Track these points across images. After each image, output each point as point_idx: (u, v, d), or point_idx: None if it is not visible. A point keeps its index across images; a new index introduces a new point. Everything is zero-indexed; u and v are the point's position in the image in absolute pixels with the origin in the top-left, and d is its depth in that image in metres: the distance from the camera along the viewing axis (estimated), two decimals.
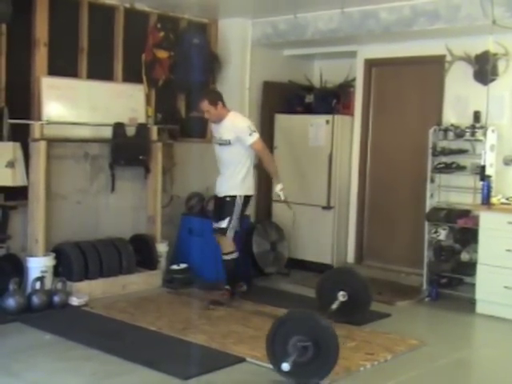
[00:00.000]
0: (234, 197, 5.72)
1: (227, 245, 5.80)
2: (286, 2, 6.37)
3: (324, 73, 7.63)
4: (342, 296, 5.19)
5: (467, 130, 6.14)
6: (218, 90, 6.49)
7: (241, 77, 7.29)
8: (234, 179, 5.72)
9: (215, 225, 5.84)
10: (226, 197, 5.75)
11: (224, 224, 5.72)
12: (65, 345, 4.64)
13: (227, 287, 5.86)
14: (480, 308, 5.71)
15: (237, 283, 5.94)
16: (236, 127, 5.68)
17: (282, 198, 5.82)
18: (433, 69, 6.66)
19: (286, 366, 3.86)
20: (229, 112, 5.79)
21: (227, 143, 5.70)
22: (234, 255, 5.83)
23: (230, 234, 5.76)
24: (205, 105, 5.73)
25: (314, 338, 3.93)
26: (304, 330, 3.96)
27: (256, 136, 5.67)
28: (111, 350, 4.47)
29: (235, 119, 5.76)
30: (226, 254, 5.82)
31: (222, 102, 5.77)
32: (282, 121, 7.59)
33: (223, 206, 5.77)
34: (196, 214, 6.80)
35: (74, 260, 5.77)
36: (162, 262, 6.49)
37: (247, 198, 5.83)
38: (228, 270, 5.87)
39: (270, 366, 4.08)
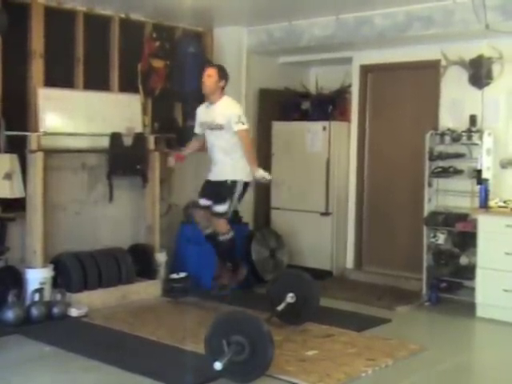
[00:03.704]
0: (235, 182, 5.55)
1: (223, 225, 5.62)
2: (280, 10, 6.40)
3: (320, 79, 7.66)
4: (290, 298, 5.21)
5: (463, 134, 6.16)
6: None
7: (237, 85, 7.29)
8: (236, 164, 5.56)
9: (209, 204, 5.65)
10: (226, 181, 5.56)
11: (223, 208, 5.54)
12: (65, 356, 4.62)
13: (229, 266, 5.78)
14: (480, 311, 5.71)
15: (238, 266, 5.85)
16: (228, 112, 5.53)
17: (269, 178, 5.63)
18: (428, 74, 6.68)
19: (218, 365, 3.89)
20: (223, 96, 5.65)
21: (219, 128, 5.55)
22: (230, 235, 5.68)
23: (228, 216, 5.60)
24: (212, 71, 5.60)
25: (250, 338, 3.98)
26: (242, 330, 4.01)
27: (244, 126, 5.51)
28: (111, 361, 4.45)
29: (229, 104, 5.63)
30: (222, 234, 5.66)
31: (225, 85, 5.64)
32: (279, 128, 7.60)
33: (222, 189, 5.58)
34: (194, 222, 6.78)
35: (72, 271, 5.75)
36: (161, 271, 6.48)
37: (246, 185, 5.66)
38: (226, 249, 5.75)
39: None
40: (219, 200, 5.59)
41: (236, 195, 5.59)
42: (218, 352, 3.99)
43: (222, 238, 5.71)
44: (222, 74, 5.65)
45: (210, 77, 5.60)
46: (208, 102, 5.73)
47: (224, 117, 5.54)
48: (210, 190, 5.72)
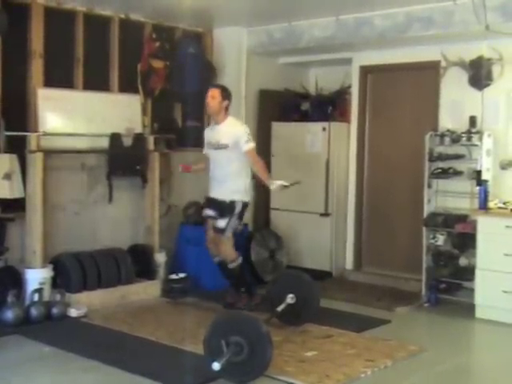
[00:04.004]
0: (234, 202, 5.63)
1: (229, 250, 5.72)
2: (280, 10, 6.40)
3: (320, 80, 7.66)
4: (290, 299, 5.21)
5: (463, 135, 6.16)
6: None
7: (237, 85, 7.29)
8: (235, 186, 5.63)
9: (212, 214, 5.70)
10: (225, 201, 5.65)
11: (223, 223, 5.62)
12: (64, 357, 4.61)
13: (243, 290, 5.82)
14: (479, 313, 5.71)
15: (252, 292, 5.88)
16: (235, 132, 5.60)
17: (287, 184, 5.63)
18: (428, 74, 6.68)
19: (216, 366, 3.90)
20: (227, 117, 5.72)
21: (224, 147, 5.60)
22: (239, 261, 5.78)
23: (228, 234, 5.64)
24: (215, 92, 5.63)
25: (249, 339, 3.98)
26: (241, 331, 4.02)
27: (252, 145, 5.61)
28: (111, 362, 4.45)
29: (235, 124, 5.70)
30: (230, 262, 5.75)
31: (228, 105, 5.70)
32: (279, 129, 7.60)
33: (222, 206, 5.66)
34: (194, 223, 6.79)
35: (72, 271, 5.75)
36: (161, 272, 6.48)
37: (245, 205, 5.75)
38: (237, 276, 5.81)
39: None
40: (220, 214, 5.68)
41: (235, 215, 5.64)
42: (216, 352, 3.99)
43: (231, 265, 5.78)
44: (225, 94, 5.69)
45: (213, 98, 5.64)
46: (213, 123, 5.80)
47: (230, 136, 5.59)
48: (212, 203, 5.80)
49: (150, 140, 6.50)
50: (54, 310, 5.45)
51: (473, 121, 6.19)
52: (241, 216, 5.72)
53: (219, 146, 5.66)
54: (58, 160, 5.90)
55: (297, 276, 5.51)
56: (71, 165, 6.07)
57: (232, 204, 5.64)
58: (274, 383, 4.16)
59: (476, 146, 6.09)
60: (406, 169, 6.93)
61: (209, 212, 5.79)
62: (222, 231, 5.67)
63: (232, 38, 7.29)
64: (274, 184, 5.58)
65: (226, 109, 5.71)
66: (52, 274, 5.68)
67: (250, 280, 5.99)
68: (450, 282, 6.20)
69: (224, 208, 5.66)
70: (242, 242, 6.86)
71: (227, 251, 5.75)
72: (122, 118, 6.39)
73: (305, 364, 4.48)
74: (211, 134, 5.80)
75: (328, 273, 7.24)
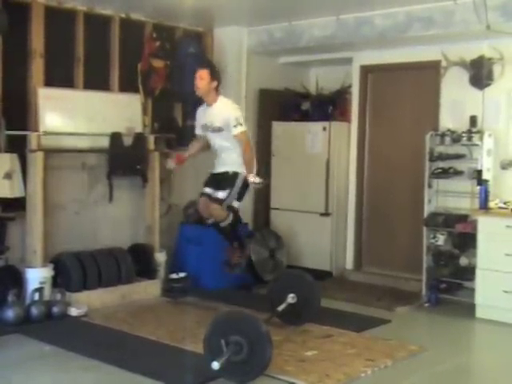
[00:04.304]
0: (237, 173, 5.47)
1: (218, 212, 5.51)
2: (281, 10, 6.40)
3: (320, 80, 7.66)
4: (291, 298, 5.21)
5: (464, 135, 6.16)
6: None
7: (237, 85, 7.31)
8: (238, 159, 5.46)
9: (210, 192, 5.57)
10: (228, 171, 5.50)
11: (222, 194, 5.46)
12: (65, 356, 4.62)
13: (235, 244, 5.73)
14: (479, 312, 5.71)
15: (243, 243, 5.79)
16: (225, 114, 5.43)
17: (258, 182, 5.43)
18: (428, 74, 6.68)
19: (215, 365, 3.90)
20: (218, 97, 5.53)
21: (219, 130, 5.48)
22: (229, 219, 5.57)
23: (225, 206, 5.49)
24: (203, 72, 5.47)
25: (249, 338, 3.99)
26: (240, 330, 4.02)
27: (241, 129, 5.39)
28: (111, 361, 4.45)
29: (225, 106, 5.51)
30: (221, 221, 5.56)
31: (218, 85, 5.53)
32: (279, 128, 7.61)
33: (224, 179, 5.52)
34: (194, 222, 6.79)
35: (72, 270, 5.76)
36: (161, 271, 6.48)
37: (247, 183, 5.52)
38: (229, 233, 5.69)
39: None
40: (220, 187, 5.52)
41: (236, 187, 5.47)
42: (216, 352, 3.99)
43: (222, 224, 5.61)
44: (214, 74, 5.53)
45: (201, 79, 5.47)
46: (205, 104, 5.67)
47: (222, 119, 5.46)
48: (213, 180, 5.66)
49: (151, 139, 6.50)
50: (55, 309, 5.46)
51: (473, 120, 6.19)
52: (242, 190, 5.54)
53: (214, 129, 5.52)
54: (58, 159, 5.90)
55: (298, 276, 5.51)
56: (72, 164, 6.07)
57: (235, 175, 5.47)
58: (274, 383, 4.16)
59: (477, 145, 6.09)
60: (407, 168, 6.92)
61: (207, 190, 5.62)
62: (219, 201, 5.48)
63: (232, 37, 7.29)
64: (251, 176, 5.39)
65: (216, 89, 5.53)
66: (52, 273, 5.69)
67: (242, 235, 5.86)
68: (450, 281, 6.20)
69: (226, 179, 5.50)
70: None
71: (217, 212, 5.53)
72: (122, 118, 6.39)
73: (305, 363, 4.48)
74: (204, 115, 5.62)
75: (328, 272, 7.24)
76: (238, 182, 5.48)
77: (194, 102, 5.93)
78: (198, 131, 5.75)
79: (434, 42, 6.33)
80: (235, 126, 5.39)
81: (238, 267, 5.67)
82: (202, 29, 7.30)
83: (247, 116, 7.38)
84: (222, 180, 5.54)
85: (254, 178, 5.38)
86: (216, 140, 5.57)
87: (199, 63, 5.80)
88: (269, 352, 4.04)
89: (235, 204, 5.55)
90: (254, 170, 5.47)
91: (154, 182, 6.48)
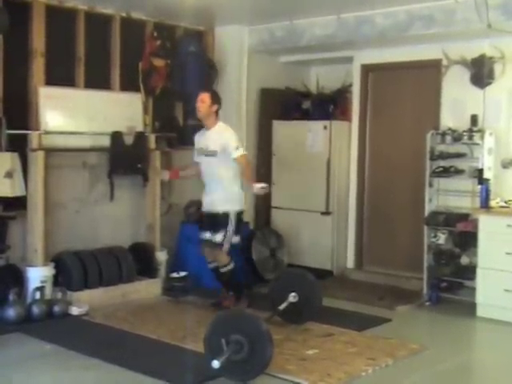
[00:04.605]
0: (228, 213, 5.58)
1: (222, 256, 5.70)
2: (282, 9, 6.40)
3: (321, 79, 7.65)
4: (292, 297, 5.22)
5: (465, 134, 6.15)
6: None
7: (238, 84, 7.31)
8: (227, 195, 5.59)
9: (209, 237, 5.69)
10: (218, 212, 5.61)
11: (219, 237, 5.60)
12: (66, 355, 4.62)
13: (231, 294, 5.81)
14: (480, 311, 5.71)
15: (241, 295, 5.85)
16: (223, 138, 5.56)
17: (265, 186, 5.64)
18: (429, 73, 6.68)
19: (216, 364, 3.91)
20: (218, 122, 5.67)
21: (213, 154, 5.56)
22: (231, 266, 5.75)
23: (226, 246, 5.63)
24: (205, 96, 5.60)
25: (249, 337, 3.99)
26: (241, 329, 4.03)
27: (241, 152, 5.55)
28: (112, 360, 4.46)
29: (224, 130, 5.65)
30: (222, 266, 5.73)
31: (218, 109, 5.68)
32: (280, 127, 7.61)
33: (216, 220, 5.63)
34: (194, 221, 6.78)
35: (73, 269, 5.76)
36: (162, 270, 6.49)
37: (240, 214, 5.70)
38: (227, 280, 5.81)
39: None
40: (215, 230, 5.64)
41: (230, 225, 5.60)
42: (217, 351, 4.00)
43: (222, 269, 5.76)
44: (215, 98, 5.67)
45: (203, 102, 5.61)
46: (204, 129, 5.74)
47: (219, 143, 5.54)
48: (207, 222, 5.78)
49: (151, 138, 6.50)
50: (56, 308, 5.46)
51: (474, 119, 6.19)
52: (237, 228, 5.65)
53: (208, 153, 5.62)
54: (59, 158, 5.90)
55: (299, 275, 5.51)
56: (72, 163, 6.08)
57: (225, 215, 5.59)
58: (275, 381, 4.16)
59: (477, 144, 6.09)
60: (407, 167, 6.92)
61: (205, 235, 5.74)
62: (219, 245, 5.63)
63: (233, 36, 7.29)
64: (255, 186, 5.58)
65: (216, 113, 5.67)
66: (53, 272, 5.69)
67: (241, 285, 5.96)
68: (451, 280, 6.20)
69: (218, 221, 5.61)
70: (243, 241, 6.87)
71: (220, 256, 5.71)
72: (123, 117, 6.39)
73: (306, 362, 4.48)
74: (201, 139, 5.74)
75: (329, 271, 7.24)
76: (231, 220, 5.59)
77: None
78: (195, 156, 5.82)
79: (435, 40, 6.32)
80: (236, 149, 5.52)
81: (225, 309, 5.60)
82: (203, 28, 7.30)
83: (248, 115, 7.41)
84: (214, 222, 5.65)
85: (258, 186, 5.55)
86: (208, 166, 5.63)
87: (202, 88, 5.88)
88: (269, 351, 4.04)
89: (235, 239, 5.67)
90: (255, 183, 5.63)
91: (155, 181, 6.47)
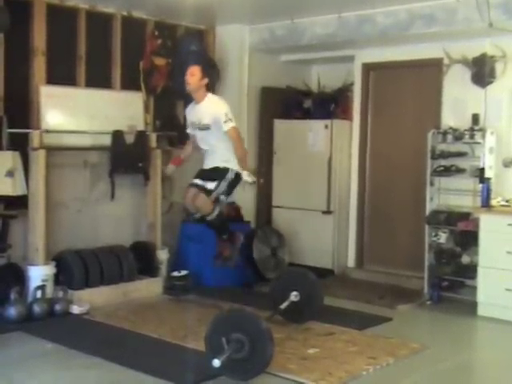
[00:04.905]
0: (227, 168, 5.37)
1: (205, 204, 5.38)
2: (283, 8, 6.40)
3: (322, 78, 7.65)
4: (294, 296, 5.22)
5: (466, 133, 6.16)
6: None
7: (239, 83, 7.31)
8: (227, 156, 5.39)
9: (200, 183, 5.45)
10: (218, 167, 5.41)
11: (211, 185, 5.35)
12: (67, 353, 4.63)
13: (225, 237, 5.62)
14: (481, 310, 5.71)
15: (233, 234, 5.66)
16: (214, 111, 5.37)
17: (251, 181, 5.41)
18: (430, 72, 6.67)
19: (216, 362, 3.91)
20: (207, 94, 5.47)
21: (207, 128, 5.42)
22: (216, 212, 5.45)
23: (213, 196, 5.36)
24: (195, 69, 5.42)
25: (250, 336, 3.99)
26: (241, 328, 4.03)
27: (231, 124, 5.31)
28: (113, 358, 4.46)
29: (214, 103, 5.44)
30: (208, 214, 5.44)
31: (208, 83, 5.48)
32: (281, 126, 7.60)
33: (214, 172, 5.43)
34: (196, 221, 6.77)
35: (74, 268, 5.76)
36: (163, 269, 6.49)
37: (237, 177, 5.42)
38: (216, 226, 5.58)
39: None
40: (210, 179, 5.42)
41: (226, 180, 5.38)
42: (217, 350, 4.00)
43: (209, 217, 5.49)
44: (206, 71, 5.48)
45: (192, 75, 5.44)
46: (193, 102, 5.59)
47: (210, 116, 5.38)
48: (203, 173, 5.56)
49: (152, 137, 6.51)
50: (57, 307, 5.46)
51: (475, 118, 6.18)
52: (231, 186, 5.43)
53: (202, 127, 5.47)
54: (60, 157, 5.91)
55: (301, 274, 5.51)
56: (74, 162, 6.08)
57: (225, 170, 5.38)
58: (276, 380, 4.17)
59: (479, 143, 6.09)
60: (409, 166, 6.92)
61: (196, 180, 5.52)
62: (207, 192, 5.38)
63: (234, 35, 7.29)
64: (244, 173, 5.35)
65: (206, 87, 5.48)
66: (54, 271, 5.70)
67: (231, 227, 5.74)
68: (452, 279, 6.20)
69: (216, 172, 5.42)
70: (244, 239, 6.87)
71: (203, 204, 5.41)
72: (124, 116, 6.39)
73: (307, 361, 4.49)
74: (193, 112, 5.59)
75: (330, 270, 7.24)
76: (228, 177, 5.37)
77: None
78: (189, 130, 5.72)
79: (436, 39, 6.32)
80: (225, 122, 5.29)
81: (230, 260, 5.56)
82: (204, 27, 7.30)
83: (249, 114, 7.41)
84: (212, 172, 5.45)
85: (247, 177, 5.34)
86: (204, 138, 5.49)
87: (192, 60, 5.76)
88: (270, 350, 4.05)
89: (224, 199, 5.45)
90: (247, 168, 5.41)
91: (156, 179, 6.48)
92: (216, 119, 5.33)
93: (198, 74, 5.41)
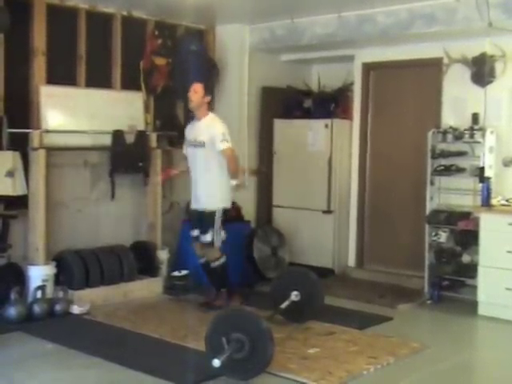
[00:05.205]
0: (214, 211, 5.58)
1: (213, 252, 5.68)
2: (283, 8, 6.40)
3: (322, 77, 7.65)
4: (294, 296, 5.23)
5: (466, 132, 6.15)
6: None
7: (239, 82, 7.31)
8: (214, 188, 5.58)
9: (197, 234, 5.72)
10: (205, 210, 5.62)
11: (209, 237, 5.61)
12: (67, 353, 4.63)
13: (223, 290, 5.77)
14: (482, 310, 5.71)
15: (233, 291, 5.83)
16: (212, 130, 5.52)
17: (235, 183, 5.71)
18: (430, 71, 6.67)
19: (216, 362, 3.92)
20: (208, 113, 5.66)
21: (201, 145, 5.53)
22: (222, 260, 5.71)
23: (218, 243, 5.64)
24: (198, 86, 5.60)
25: (250, 336, 4.00)
26: (241, 328, 4.03)
27: (228, 145, 5.49)
28: (113, 358, 4.46)
29: (213, 122, 5.61)
30: (213, 260, 5.70)
31: (210, 101, 5.65)
32: (281, 126, 7.60)
33: (204, 218, 5.64)
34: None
35: (74, 268, 5.76)
36: (163, 269, 6.49)
37: (225, 211, 5.69)
38: (218, 276, 5.77)
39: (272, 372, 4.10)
40: (204, 230, 5.64)
41: (217, 223, 5.61)
42: (218, 349, 4.00)
43: (213, 264, 5.73)
44: (208, 90, 5.65)
45: (195, 92, 5.61)
46: (195, 119, 5.73)
47: (207, 134, 5.51)
48: (195, 219, 5.79)
49: (153, 137, 6.50)
50: (57, 307, 5.46)
51: (475, 118, 6.18)
52: (223, 221, 5.65)
53: (196, 144, 5.59)
54: (60, 157, 5.91)
55: (302, 273, 5.52)
56: (74, 162, 6.08)
57: (212, 214, 5.59)
58: (276, 380, 4.17)
59: (479, 143, 6.09)
60: (409, 166, 6.92)
61: (194, 233, 5.78)
62: (210, 245, 5.64)
63: (234, 35, 7.29)
64: (234, 182, 5.68)
65: (208, 105, 5.64)
66: (55, 271, 5.70)
67: (232, 283, 5.93)
68: (452, 279, 6.20)
69: (205, 219, 5.62)
70: (244, 239, 6.88)
71: (211, 252, 5.70)
72: (124, 116, 6.39)
73: (307, 361, 4.49)
74: (191, 130, 5.72)
75: (330, 270, 7.24)
76: (217, 218, 5.59)
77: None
78: (184, 150, 5.80)
79: (436, 39, 6.32)
80: (221, 142, 5.47)
81: (217, 309, 5.62)
82: (204, 26, 7.30)
83: (249, 113, 7.41)
84: (202, 219, 5.66)
85: (233, 183, 5.65)
86: (195, 157, 5.61)
87: (195, 79, 5.86)
88: (270, 349, 4.05)
89: (224, 235, 5.66)
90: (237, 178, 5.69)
91: (156, 179, 6.47)
92: (212, 138, 5.48)
93: (200, 91, 5.57)
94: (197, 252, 5.87)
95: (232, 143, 5.58)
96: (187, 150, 5.77)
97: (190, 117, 5.97)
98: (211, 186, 5.61)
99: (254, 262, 6.82)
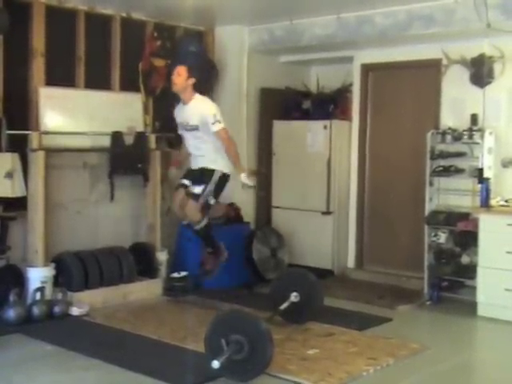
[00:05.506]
0: (213, 170, 5.32)
1: (194, 213, 5.35)
2: (282, 9, 6.40)
3: (321, 78, 7.65)
4: (294, 297, 5.22)
5: (465, 133, 6.16)
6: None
7: (238, 84, 7.31)
8: (214, 158, 5.33)
9: (188, 184, 5.40)
10: (204, 168, 5.36)
11: (198, 189, 5.29)
12: (66, 355, 4.62)
13: (209, 250, 5.59)
14: (481, 311, 5.71)
15: (218, 249, 5.61)
16: (201, 112, 5.29)
17: (251, 184, 5.38)
18: (429, 72, 6.68)
19: (216, 364, 3.91)
20: (194, 95, 5.37)
21: (195, 128, 5.34)
22: (204, 222, 5.43)
23: (201, 201, 5.31)
24: (182, 69, 5.31)
25: (249, 337, 3.99)
26: (241, 329, 4.03)
27: (220, 125, 5.23)
28: (113, 360, 4.46)
29: (201, 104, 5.36)
30: (197, 223, 5.41)
31: (196, 83, 5.35)
32: (280, 127, 7.60)
33: (201, 174, 5.38)
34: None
35: (74, 270, 5.76)
36: (162, 270, 6.48)
37: (224, 178, 5.39)
38: (202, 236, 5.55)
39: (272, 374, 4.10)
40: (196, 182, 5.36)
41: (213, 183, 5.32)
42: (217, 351, 4.00)
43: (196, 226, 5.47)
44: (193, 71, 5.34)
45: (179, 75, 5.33)
46: (181, 103, 5.49)
47: (198, 117, 5.30)
48: (190, 173, 5.52)
49: (152, 139, 6.51)
50: (56, 309, 5.46)
51: (474, 119, 6.19)
52: (218, 188, 5.37)
53: (190, 128, 5.39)
54: (59, 158, 5.91)
55: (301, 274, 5.51)
56: (73, 163, 6.08)
57: (211, 171, 5.33)
58: (276, 381, 4.16)
59: (477, 143, 6.09)
60: (408, 167, 6.92)
61: (184, 181, 5.47)
62: (195, 197, 5.32)
63: (233, 36, 7.29)
64: (242, 176, 5.25)
65: (193, 87, 5.37)
66: (54, 272, 5.69)
67: (217, 241, 5.63)
68: (451, 280, 6.20)
69: (202, 174, 5.36)
70: (243, 240, 6.88)
71: (192, 213, 5.38)
72: (123, 117, 6.38)
73: (307, 362, 4.48)
74: (180, 114, 5.50)
75: (330, 271, 7.24)
76: (214, 179, 5.31)
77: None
78: (179, 130, 5.66)
79: (435, 40, 6.32)
80: (214, 124, 5.21)
81: (211, 274, 5.55)
82: (203, 28, 7.30)
83: (248, 115, 7.41)
84: (198, 175, 5.39)
85: (246, 180, 5.25)
86: (191, 140, 5.43)
87: (179, 60, 5.68)
88: (270, 350, 4.04)
89: (211, 201, 5.38)
90: (244, 169, 5.35)
91: (156, 180, 6.48)
92: (204, 120, 5.25)
93: (184, 73, 5.30)
94: (177, 209, 5.53)
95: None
96: (183, 133, 5.55)
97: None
98: (213, 156, 5.33)
99: (253, 264, 6.82)
